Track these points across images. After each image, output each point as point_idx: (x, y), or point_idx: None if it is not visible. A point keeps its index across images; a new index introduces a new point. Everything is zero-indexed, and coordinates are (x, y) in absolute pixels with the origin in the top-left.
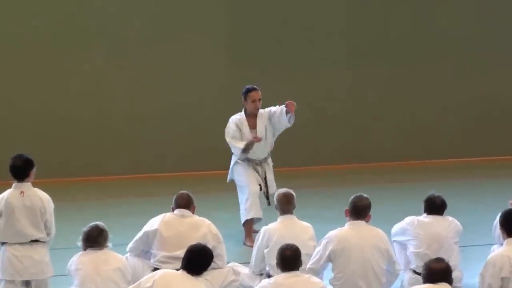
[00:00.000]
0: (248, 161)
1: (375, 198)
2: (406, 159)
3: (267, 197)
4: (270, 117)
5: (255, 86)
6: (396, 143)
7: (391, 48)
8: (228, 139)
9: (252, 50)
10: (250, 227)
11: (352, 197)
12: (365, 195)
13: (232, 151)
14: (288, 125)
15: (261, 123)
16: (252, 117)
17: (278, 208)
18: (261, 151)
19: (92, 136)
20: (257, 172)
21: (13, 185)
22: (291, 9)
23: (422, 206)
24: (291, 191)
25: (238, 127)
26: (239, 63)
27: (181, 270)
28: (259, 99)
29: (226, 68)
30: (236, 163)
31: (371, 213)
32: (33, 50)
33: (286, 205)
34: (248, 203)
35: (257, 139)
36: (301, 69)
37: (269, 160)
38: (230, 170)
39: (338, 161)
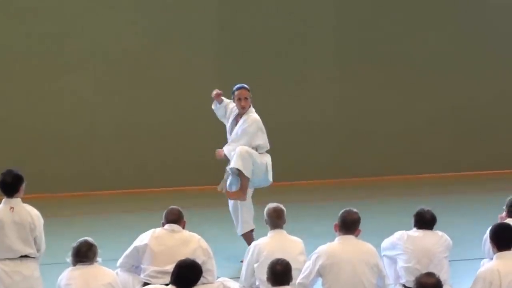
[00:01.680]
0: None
1: (365, 212)
2: (395, 174)
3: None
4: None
5: (244, 85)
6: (384, 158)
7: (381, 60)
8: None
9: (242, 66)
10: (248, 239)
11: (341, 211)
12: (354, 210)
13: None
14: None
15: (242, 122)
16: (240, 114)
17: (268, 222)
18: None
19: (82, 152)
20: None
21: (3, 200)
22: (281, 25)
23: (412, 220)
24: (281, 206)
25: (231, 111)
26: (229, 78)
27: (170, 285)
28: (245, 98)
29: (216, 84)
30: None
31: (360, 227)
32: (24, 67)
33: (276, 220)
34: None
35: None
36: (291, 84)
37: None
38: None
39: (328, 175)
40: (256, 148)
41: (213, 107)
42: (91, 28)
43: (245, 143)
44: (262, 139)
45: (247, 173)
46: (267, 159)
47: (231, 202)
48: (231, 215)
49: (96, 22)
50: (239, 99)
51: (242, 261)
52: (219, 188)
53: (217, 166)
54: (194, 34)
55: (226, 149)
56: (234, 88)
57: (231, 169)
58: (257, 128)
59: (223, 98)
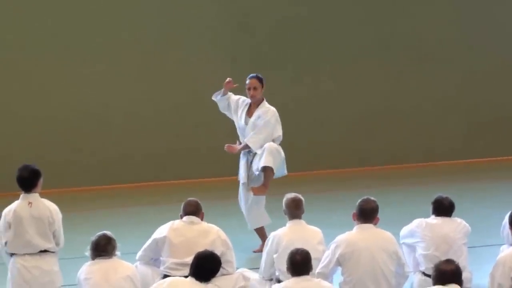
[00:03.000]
0: (249, 153)
1: (382, 201)
2: (411, 162)
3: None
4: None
5: (256, 74)
6: (400, 146)
7: (393, 49)
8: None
9: (255, 56)
10: (260, 234)
11: (359, 200)
12: (372, 198)
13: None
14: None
15: (262, 113)
16: (254, 106)
17: (287, 213)
18: None
19: (98, 145)
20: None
21: (21, 196)
22: (293, 15)
23: (430, 208)
24: (300, 196)
25: (237, 104)
26: (243, 70)
27: (189, 277)
28: (254, 88)
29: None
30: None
31: (378, 215)
32: (33, 60)
33: (295, 210)
34: None
35: (230, 149)
36: (304, 74)
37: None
38: None
39: (344, 165)
40: (274, 140)
41: (213, 98)
42: (102, 18)
43: (267, 134)
44: (281, 131)
45: (275, 169)
46: (282, 152)
47: (243, 197)
48: (242, 209)
49: (107, 12)
50: (249, 88)
51: (254, 251)
52: (254, 191)
53: (232, 159)
54: (210, 25)
55: (251, 143)
56: (247, 78)
57: (262, 167)
58: (276, 120)
59: (229, 92)
